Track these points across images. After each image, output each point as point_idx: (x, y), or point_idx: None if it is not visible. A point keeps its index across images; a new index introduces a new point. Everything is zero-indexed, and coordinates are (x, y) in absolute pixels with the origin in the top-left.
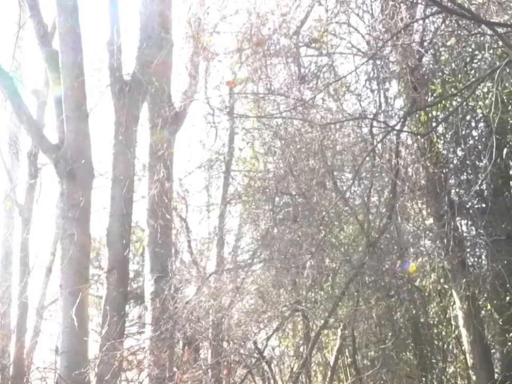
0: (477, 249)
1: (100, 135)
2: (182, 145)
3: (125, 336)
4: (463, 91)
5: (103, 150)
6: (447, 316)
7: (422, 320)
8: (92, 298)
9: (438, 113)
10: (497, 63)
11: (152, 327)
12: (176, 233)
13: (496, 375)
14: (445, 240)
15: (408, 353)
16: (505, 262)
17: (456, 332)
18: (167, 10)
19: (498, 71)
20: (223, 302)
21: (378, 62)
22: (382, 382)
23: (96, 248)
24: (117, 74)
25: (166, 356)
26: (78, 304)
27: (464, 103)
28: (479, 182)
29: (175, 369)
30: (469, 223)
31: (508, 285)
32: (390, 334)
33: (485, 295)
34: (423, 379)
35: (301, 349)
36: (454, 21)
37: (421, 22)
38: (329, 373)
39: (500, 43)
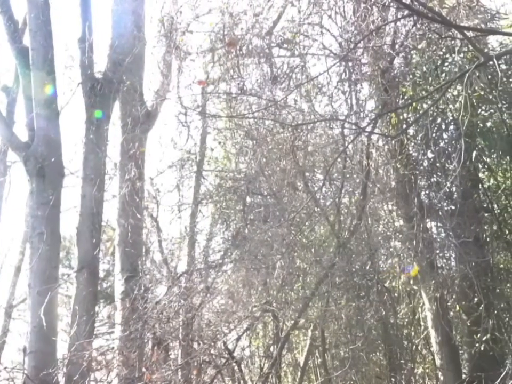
0: (445, 251)
1: (71, 134)
2: (153, 144)
3: (94, 336)
4: (433, 94)
5: (73, 148)
6: (416, 316)
7: (391, 321)
8: (61, 298)
9: (409, 115)
10: (467, 66)
11: (122, 327)
12: (147, 233)
13: (463, 376)
14: (414, 242)
15: (378, 354)
16: (473, 263)
17: (425, 333)
18: (140, 8)
19: (467, 75)
20: (193, 302)
21: (350, 63)
22: (351, 382)
23: (66, 247)
24: (88, 72)
25: (135, 356)
26: (47, 303)
27: (435, 105)
28: (448, 184)
29: (144, 369)
30: (439, 224)
31: (476, 287)
32: (360, 334)
33: (454, 297)
34: (392, 379)
35: (271, 350)
36: (425, 25)
37: (392, 24)
38: (299, 373)
39: (470, 47)
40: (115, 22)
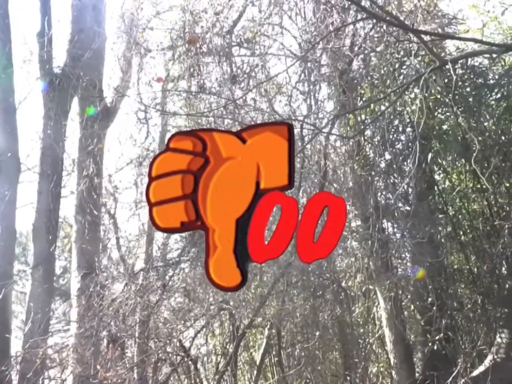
0: (401, 251)
1: (28, 129)
2: (112, 141)
3: (49, 333)
4: (390, 96)
5: (31, 143)
6: (371, 316)
7: (347, 320)
8: (16, 295)
9: (367, 117)
10: (423, 70)
11: (77, 325)
12: (104, 230)
13: (417, 374)
14: (370, 242)
15: (334, 353)
16: (428, 264)
17: (380, 332)
18: (100, 3)
19: (423, 78)
20: (150, 300)
21: (309, 64)
22: (307, 380)
23: (22, 244)
24: (47, 67)
25: (90, 354)
26: (1, 300)
27: (392, 108)
28: (402, 185)
29: (98, 367)
30: (394, 225)
31: (430, 287)
32: (316, 333)
33: (408, 296)
34: (348, 378)
35: (227, 348)
36: (383, 28)
37: (351, 26)
38: (255, 372)
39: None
40: (75, 17)
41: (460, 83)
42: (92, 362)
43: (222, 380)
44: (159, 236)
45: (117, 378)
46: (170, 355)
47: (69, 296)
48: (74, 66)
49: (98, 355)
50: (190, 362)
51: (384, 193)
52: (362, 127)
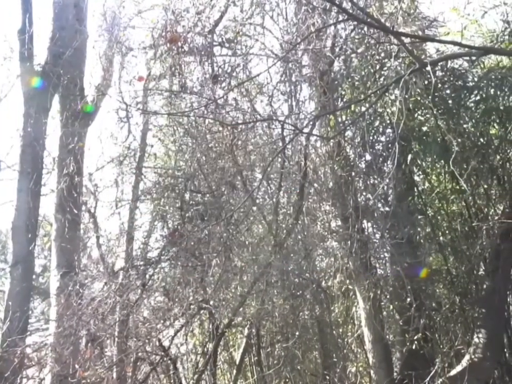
0: (380, 252)
1: (8, 126)
2: (93, 139)
3: (28, 332)
4: (370, 97)
5: (11, 141)
6: (350, 316)
7: (327, 319)
8: None
9: (348, 118)
10: (403, 71)
11: (56, 323)
12: (84, 229)
13: (395, 374)
14: (349, 242)
15: (314, 352)
16: (406, 264)
17: (359, 332)
18: (82, 2)
19: (404, 80)
20: (129, 299)
21: (290, 64)
22: (286, 380)
23: (1, 242)
24: (27, 65)
25: (69, 353)
26: None
27: (372, 109)
28: (382, 186)
29: (77, 366)
30: (374, 226)
31: (408, 287)
32: (296, 333)
33: (387, 296)
34: (327, 377)
35: (207, 347)
36: (363, 29)
37: (333, 28)
38: (234, 371)
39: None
40: (56, 14)
41: (440, 85)
42: (70, 361)
43: (201, 379)
44: (139, 235)
45: (95, 377)
46: (149, 354)
47: (48, 295)
48: (55, 64)
49: (77, 354)
50: (169, 361)
51: (364, 193)
52: (342, 128)
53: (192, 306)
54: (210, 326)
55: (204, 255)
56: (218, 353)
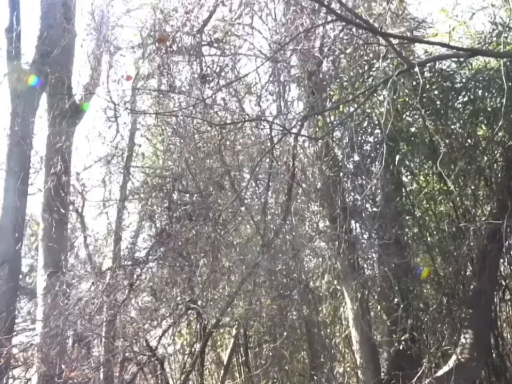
0: (368, 252)
1: None
2: (81, 138)
3: (14, 332)
4: (358, 98)
5: None
6: (338, 316)
7: (314, 320)
8: None
9: (336, 118)
10: (391, 72)
11: (43, 323)
12: (71, 228)
13: (382, 374)
14: (337, 242)
15: (302, 352)
16: (393, 265)
17: (346, 332)
18: (70, 0)
19: (392, 80)
20: (117, 299)
21: (278, 65)
22: (274, 380)
23: None
24: (15, 63)
25: (56, 353)
26: None
27: (361, 110)
28: (369, 186)
29: (63, 366)
30: (362, 226)
31: (396, 288)
32: (284, 333)
33: (375, 297)
34: (314, 377)
35: (195, 347)
36: (352, 30)
37: (321, 28)
38: (222, 371)
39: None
40: (44, 13)
41: (428, 86)
42: (57, 361)
43: (188, 379)
44: (126, 235)
45: (82, 377)
46: (136, 354)
47: (35, 294)
48: (43, 63)
49: (64, 354)
50: (156, 361)
51: (352, 194)
52: (331, 128)
53: (179, 307)
54: (198, 326)
55: (191, 255)
56: (205, 353)
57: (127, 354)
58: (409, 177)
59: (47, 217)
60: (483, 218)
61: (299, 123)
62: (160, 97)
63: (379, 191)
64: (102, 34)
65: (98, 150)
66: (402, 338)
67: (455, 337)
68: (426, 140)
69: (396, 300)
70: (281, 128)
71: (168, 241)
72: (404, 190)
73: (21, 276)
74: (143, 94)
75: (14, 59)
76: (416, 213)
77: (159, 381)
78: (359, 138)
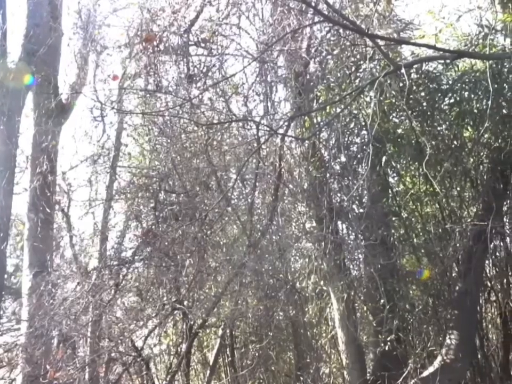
0: (354, 253)
1: None
2: (67, 138)
3: None
4: (345, 99)
5: None
6: (324, 316)
7: (301, 320)
8: None
9: (323, 119)
10: (378, 74)
11: (28, 324)
12: (57, 228)
13: (368, 375)
14: (323, 243)
15: (288, 353)
16: (379, 266)
17: (332, 333)
18: None
19: (378, 82)
20: (102, 299)
21: (266, 65)
22: (260, 380)
23: None
24: (0, 62)
25: (40, 354)
26: None
27: (348, 111)
28: (355, 187)
29: (48, 367)
30: (348, 227)
31: (382, 288)
32: (270, 334)
33: (361, 298)
34: (300, 378)
35: (180, 348)
36: (339, 31)
37: (308, 29)
38: (208, 372)
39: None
40: (30, 11)
41: (414, 87)
42: (42, 362)
43: (174, 380)
44: (113, 235)
45: (67, 378)
46: (122, 355)
47: (20, 294)
48: (29, 62)
49: (49, 354)
50: (142, 362)
51: (338, 195)
52: (317, 129)
53: (165, 307)
54: (184, 327)
55: (177, 255)
56: (191, 353)
57: (112, 354)
58: (395, 178)
59: (32, 216)
60: (469, 220)
61: (286, 123)
62: (147, 97)
63: (365, 192)
64: (88, 33)
65: (85, 149)
66: (388, 339)
67: (440, 338)
68: (413, 141)
69: (382, 300)
70: (268, 129)
71: (154, 241)
72: (390, 191)
73: (6, 276)
74: (129, 93)
75: (0, 57)
76: (402, 214)
77: (145, 382)
78: (346, 139)
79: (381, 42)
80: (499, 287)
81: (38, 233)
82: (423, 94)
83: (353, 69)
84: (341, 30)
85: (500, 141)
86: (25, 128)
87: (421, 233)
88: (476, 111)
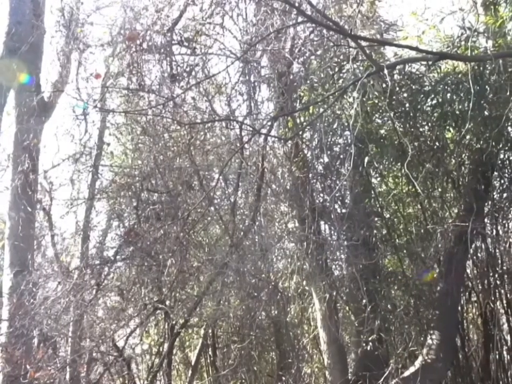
0: (336, 253)
1: None
2: (49, 136)
3: None
4: (328, 99)
5: None
6: (306, 316)
7: (283, 320)
8: None
9: (306, 119)
10: (361, 74)
11: (8, 323)
12: (39, 227)
13: (350, 375)
14: (306, 243)
15: (270, 353)
16: (361, 266)
17: (315, 333)
18: None
19: (361, 82)
20: (84, 299)
21: (249, 65)
22: (242, 380)
23: None
24: None
25: (20, 353)
26: None
27: (331, 111)
28: (338, 187)
29: (28, 367)
30: (331, 227)
31: (364, 288)
32: (252, 333)
33: (343, 298)
34: (282, 378)
35: (163, 348)
36: (323, 31)
37: (292, 29)
38: (190, 372)
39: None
40: (13, 8)
41: (397, 89)
42: (22, 361)
43: (155, 380)
44: (94, 234)
45: (48, 378)
46: (103, 355)
47: (0, 294)
48: (11, 59)
49: (29, 354)
50: (123, 362)
51: (321, 195)
52: (300, 129)
53: (147, 307)
54: (166, 326)
55: (159, 254)
56: (173, 353)
57: (93, 354)
58: (378, 178)
59: (13, 215)
60: (450, 221)
61: (269, 123)
62: (130, 96)
63: (348, 192)
64: (71, 31)
65: (67, 148)
66: (370, 339)
67: (421, 338)
68: (395, 142)
69: (363, 300)
70: (251, 129)
71: (136, 240)
72: (372, 192)
73: None
74: (112, 92)
75: None
76: (384, 214)
77: (126, 382)
78: (329, 139)
79: (364, 43)
80: (480, 287)
81: (19, 232)
82: (405, 95)
83: (336, 69)
84: (324, 31)
85: (481, 142)
86: (6, 126)
87: (403, 234)
88: (457, 112)
